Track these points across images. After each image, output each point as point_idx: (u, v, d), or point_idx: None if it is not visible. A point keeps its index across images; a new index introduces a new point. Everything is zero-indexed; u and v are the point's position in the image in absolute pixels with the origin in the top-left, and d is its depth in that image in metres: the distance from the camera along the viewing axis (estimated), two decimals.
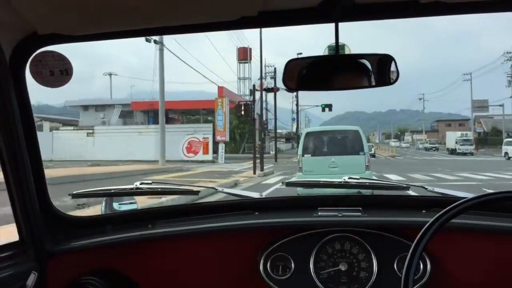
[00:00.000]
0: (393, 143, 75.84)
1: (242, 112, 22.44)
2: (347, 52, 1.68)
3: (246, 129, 50.46)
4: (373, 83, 1.47)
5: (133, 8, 1.39)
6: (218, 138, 35.40)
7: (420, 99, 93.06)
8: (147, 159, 29.90)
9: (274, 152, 57.22)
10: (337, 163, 10.08)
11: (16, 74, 1.56)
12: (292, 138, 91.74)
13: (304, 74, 1.49)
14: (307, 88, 1.55)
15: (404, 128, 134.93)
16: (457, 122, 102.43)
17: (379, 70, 1.48)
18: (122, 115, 46.78)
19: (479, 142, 57.95)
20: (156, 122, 37.78)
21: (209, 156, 35.58)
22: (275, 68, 46.59)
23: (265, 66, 46.12)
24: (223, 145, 35.44)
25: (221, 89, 37.78)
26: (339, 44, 1.48)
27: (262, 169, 22.24)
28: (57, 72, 1.64)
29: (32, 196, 1.67)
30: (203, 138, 36.28)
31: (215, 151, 35.17)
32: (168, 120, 43.82)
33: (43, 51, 1.62)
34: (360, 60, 1.48)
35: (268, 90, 33.87)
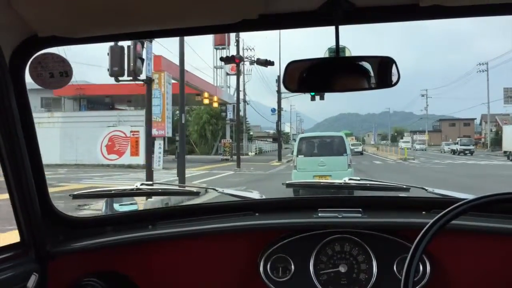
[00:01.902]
0: (403, 143, 62.14)
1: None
2: (347, 54, 1.69)
3: (219, 125, 42.39)
4: (374, 85, 1.48)
5: (133, 10, 1.39)
6: (155, 132, 23.46)
7: (422, 95, 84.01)
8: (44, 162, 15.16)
9: (252, 153, 47.41)
10: (325, 162, 12.15)
11: (15, 76, 1.56)
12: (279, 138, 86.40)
13: (305, 76, 1.49)
14: (308, 90, 1.56)
15: (400, 129, 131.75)
16: (461, 121, 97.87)
17: (380, 72, 1.48)
18: (47, 103, 35.00)
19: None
20: (92, 110, 30.02)
21: (140, 158, 23.86)
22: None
23: (243, 49, 36.66)
24: (161, 142, 22.86)
25: (157, 59, 21.63)
26: (340, 46, 1.49)
27: None
28: (57, 74, 1.64)
29: (33, 197, 1.67)
30: (131, 132, 25.06)
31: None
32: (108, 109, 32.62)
33: (42, 53, 1.62)
34: (361, 62, 1.48)
35: (227, 59, 24.70)
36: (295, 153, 12.83)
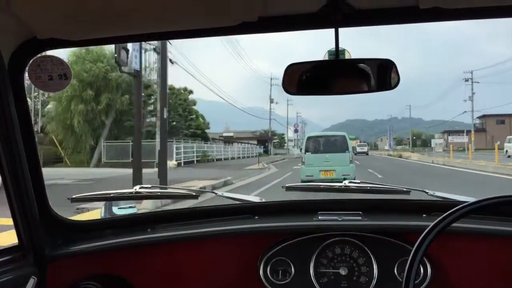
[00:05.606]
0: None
1: None
2: (347, 57, 1.68)
3: (101, 105, 22.78)
4: (374, 88, 1.48)
5: (133, 13, 1.39)
6: None
7: (466, 80, 64.03)
8: None
9: (174, 162, 24.63)
10: (329, 158, 13.89)
11: (15, 79, 1.55)
12: (268, 140, 60.09)
13: (304, 78, 1.49)
14: (307, 92, 1.55)
15: (418, 133, 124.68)
16: None
17: (380, 74, 1.48)
18: None
19: None
20: None
21: None
22: None
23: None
24: None
25: None
26: (339, 49, 1.49)
27: None
28: (56, 77, 1.64)
29: (31, 200, 1.67)
30: None
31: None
32: None
33: (41, 56, 1.61)
34: (361, 65, 1.48)
35: None
36: (303, 150, 14.74)
